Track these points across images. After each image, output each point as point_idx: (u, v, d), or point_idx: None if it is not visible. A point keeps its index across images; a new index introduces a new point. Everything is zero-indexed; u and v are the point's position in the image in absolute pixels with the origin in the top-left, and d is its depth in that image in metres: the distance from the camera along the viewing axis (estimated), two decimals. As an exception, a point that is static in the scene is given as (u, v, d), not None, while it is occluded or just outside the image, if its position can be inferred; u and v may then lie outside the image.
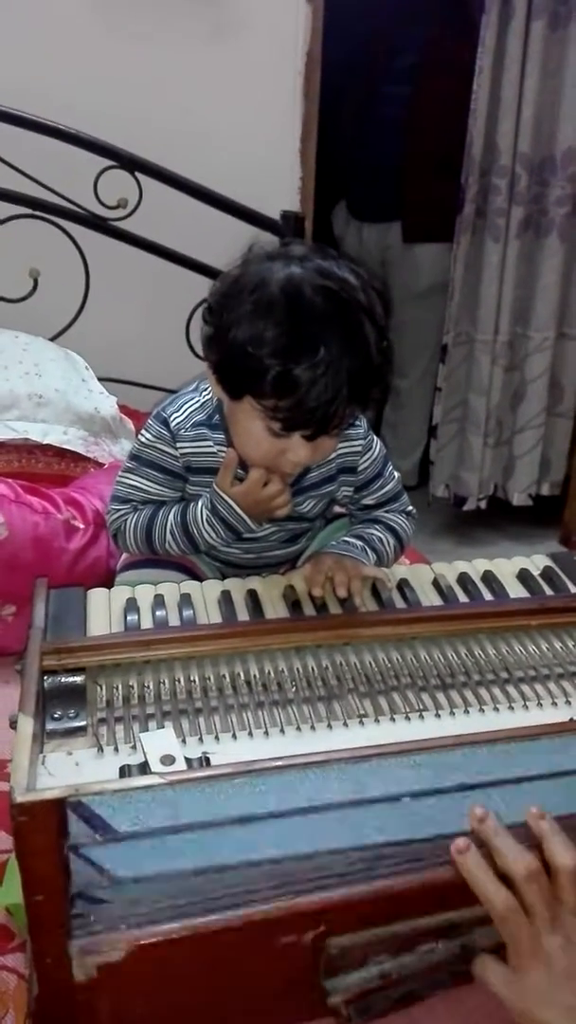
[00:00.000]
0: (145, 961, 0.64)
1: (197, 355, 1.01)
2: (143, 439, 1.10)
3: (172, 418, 1.07)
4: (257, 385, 0.89)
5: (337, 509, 1.20)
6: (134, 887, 0.65)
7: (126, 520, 1.11)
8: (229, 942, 0.66)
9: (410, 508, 1.18)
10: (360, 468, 1.12)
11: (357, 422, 1.09)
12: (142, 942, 0.64)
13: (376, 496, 1.15)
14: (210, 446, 1.07)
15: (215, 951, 0.66)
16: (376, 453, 1.13)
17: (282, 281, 0.88)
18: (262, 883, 0.66)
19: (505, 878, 0.64)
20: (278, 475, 1.01)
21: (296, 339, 0.87)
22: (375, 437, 1.13)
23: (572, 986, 0.62)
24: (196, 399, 1.09)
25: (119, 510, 1.12)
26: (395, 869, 0.68)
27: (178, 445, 1.07)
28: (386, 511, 1.16)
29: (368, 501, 1.15)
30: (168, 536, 1.09)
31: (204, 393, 1.08)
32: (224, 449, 1.04)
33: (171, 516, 1.09)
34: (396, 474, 1.17)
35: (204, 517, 1.06)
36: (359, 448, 1.11)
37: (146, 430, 1.10)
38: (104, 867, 0.65)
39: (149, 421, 1.10)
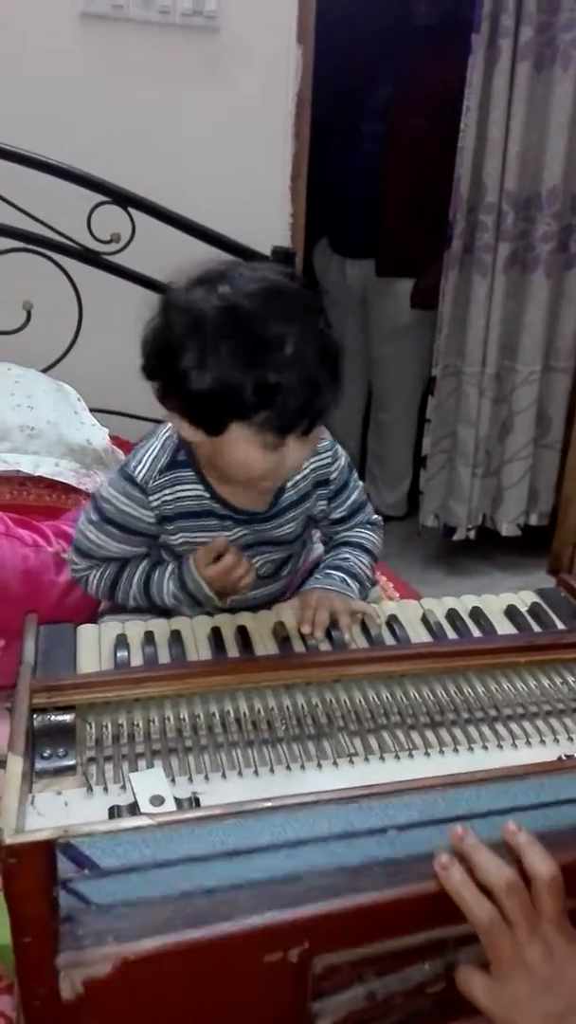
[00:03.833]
0: (132, 977, 0.63)
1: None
2: (106, 494, 1.08)
3: (136, 472, 1.05)
4: (239, 407, 0.88)
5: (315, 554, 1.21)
6: (121, 881, 0.65)
7: (88, 576, 1.13)
8: (217, 958, 0.64)
9: (375, 517, 1.20)
10: (332, 478, 1.14)
11: (322, 435, 1.09)
12: (128, 956, 0.62)
13: (346, 506, 1.16)
14: (186, 488, 1.06)
15: (204, 967, 0.65)
16: (343, 461, 1.15)
17: (216, 303, 0.88)
18: (247, 900, 0.66)
19: (487, 891, 0.65)
20: (260, 490, 1.03)
21: (255, 345, 0.86)
22: (339, 446, 1.15)
23: (552, 993, 0.63)
24: (155, 444, 1.07)
25: (79, 565, 1.13)
26: (380, 884, 0.68)
27: (151, 499, 1.05)
28: (354, 524, 1.18)
29: (339, 514, 1.17)
30: (131, 600, 1.12)
31: (163, 435, 1.07)
32: (200, 489, 1.05)
33: (135, 581, 1.11)
34: (360, 482, 1.19)
35: (170, 591, 1.08)
36: (328, 459, 1.12)
37: (110, 485, 1.08)
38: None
39: (113, 476, 1.09)
